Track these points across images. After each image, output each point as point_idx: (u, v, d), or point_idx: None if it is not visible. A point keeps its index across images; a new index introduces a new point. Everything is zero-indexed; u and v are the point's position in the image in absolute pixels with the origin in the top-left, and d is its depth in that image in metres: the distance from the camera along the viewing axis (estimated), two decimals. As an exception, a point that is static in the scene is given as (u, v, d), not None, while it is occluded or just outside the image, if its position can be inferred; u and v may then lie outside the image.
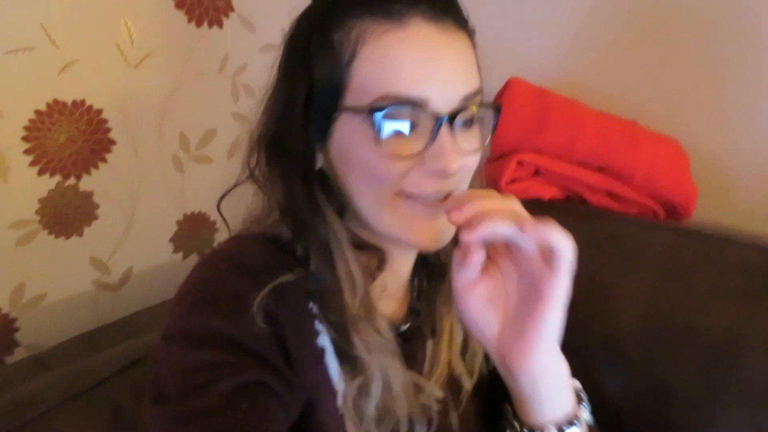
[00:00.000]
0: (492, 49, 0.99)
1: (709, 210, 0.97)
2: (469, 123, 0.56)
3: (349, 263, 0.57)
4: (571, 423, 0.53)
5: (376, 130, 0.52)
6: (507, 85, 0.98)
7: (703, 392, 0.70)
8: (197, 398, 0.48)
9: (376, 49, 0.52)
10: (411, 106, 0.52)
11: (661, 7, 1.00)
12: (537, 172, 0.96)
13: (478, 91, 0.56)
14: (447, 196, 0.56)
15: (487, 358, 0.68)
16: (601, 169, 0.95)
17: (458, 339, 0.67)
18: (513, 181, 0.95)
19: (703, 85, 0.98)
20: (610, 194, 0.95)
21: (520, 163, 0.95)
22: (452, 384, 0.66)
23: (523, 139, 0.95)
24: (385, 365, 0.57)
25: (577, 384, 0.58)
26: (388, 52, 0.52)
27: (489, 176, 0.96)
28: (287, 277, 0.55)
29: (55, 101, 0.99)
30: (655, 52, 1.02)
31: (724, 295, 0.73)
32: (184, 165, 1.22)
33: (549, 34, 1.10)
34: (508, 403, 0.58)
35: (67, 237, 1.06)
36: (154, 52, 1.11)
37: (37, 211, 1.00)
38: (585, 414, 0.56)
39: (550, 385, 0.52)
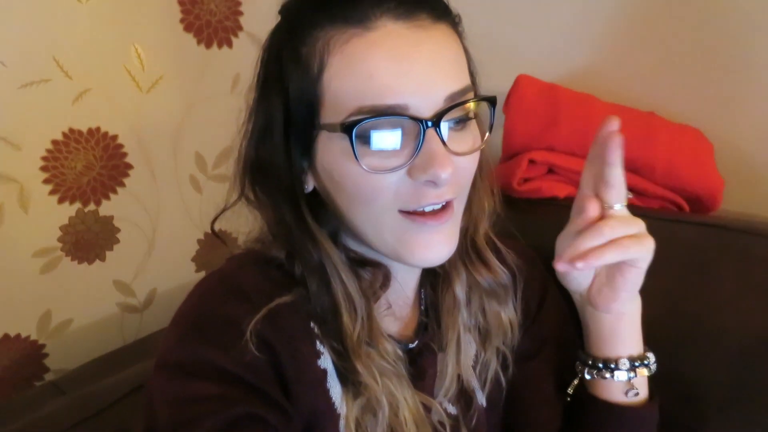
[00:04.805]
0: (500, 46, 0.97)
1: (737, 201, 0.91)
2: (462, 122, 0.52)
3: (347, 285, 0.55)
4: (642, 361, 0.60)
5: (354, 148, 0.48)
6: (516, 83, 0.95)
7: (734, 396, 0.66)
8: None
9: (343, 59, 0.48)
10: (388, 115, 0.48)
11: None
12: (550, 170, 0.93)
13: (468, 88, 0.51)
14: (447, 205, 0.53)
15: (504, 368, 0.66)
16: (618, 164, 0.91)
17: (469, 351, 0.64)
18: (526, 180, 0.92)
19: (726, 71, 0.92)
20: (630, 189, 0.91)
21: (532, 162, 0.91)
22: (465, 397, 0.64)
23: (534, 136, 0.92)
24: (391, 390, 0.55)
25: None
26: (355, 61, 0.48)
27: (500, 176, 0.93)
28: (285, 299, 0.54)
29: (71, 130, 1.02)
30: (672, 37, 0.97)
31: (752, 291, 0.68)
32: (202, 184, 1.23)
33: (559, 26, 1.06)
34: (580, 349, 0.64)
35: (90, 262, 1.08)
36: (165, 75, 1.13)
37: (59, 239, 1.03)
38: (652, 358, 0.61)
39: (627, 326, 0.60)
